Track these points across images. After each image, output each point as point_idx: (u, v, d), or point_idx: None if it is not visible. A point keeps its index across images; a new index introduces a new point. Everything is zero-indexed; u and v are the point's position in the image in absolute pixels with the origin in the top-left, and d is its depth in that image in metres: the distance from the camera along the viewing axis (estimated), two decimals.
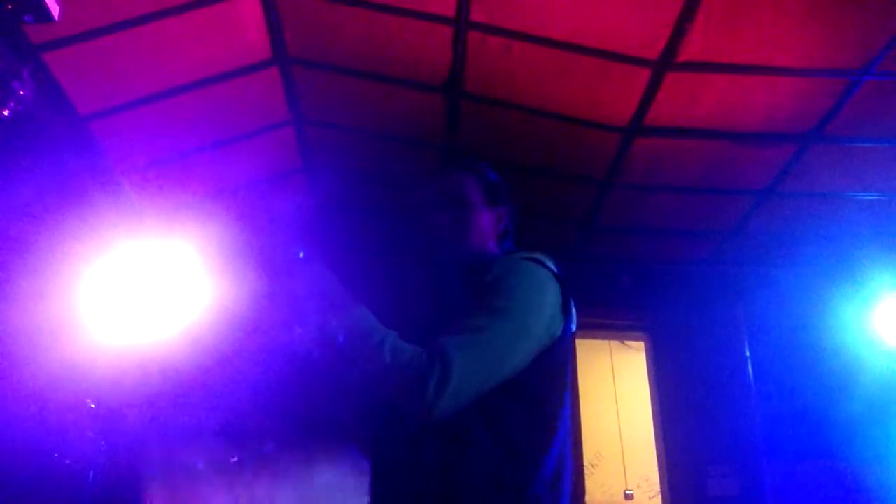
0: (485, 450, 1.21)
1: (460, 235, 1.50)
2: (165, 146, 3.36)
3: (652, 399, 4.64)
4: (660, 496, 4.51)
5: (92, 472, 2.80)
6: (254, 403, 3.67)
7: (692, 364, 4.50)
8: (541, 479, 1.24)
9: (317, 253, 1.31)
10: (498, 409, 1.23)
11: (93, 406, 2.89)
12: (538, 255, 1.41)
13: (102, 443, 2.87)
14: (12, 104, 2.14)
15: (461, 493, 1.20)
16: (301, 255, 1.28)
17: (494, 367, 1.20)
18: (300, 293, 1.26)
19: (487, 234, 1.52)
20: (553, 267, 1.41)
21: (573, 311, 1.43)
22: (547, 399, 1.30)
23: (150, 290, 3.10)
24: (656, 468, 4.56)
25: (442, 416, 1.14)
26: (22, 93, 2.17)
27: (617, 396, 5.97)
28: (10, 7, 1.82)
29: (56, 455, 2.81)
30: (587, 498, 4.32)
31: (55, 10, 1.91)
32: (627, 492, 5.54)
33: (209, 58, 2.97)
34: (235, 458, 3.44)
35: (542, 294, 1.30)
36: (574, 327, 1.46)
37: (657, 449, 4.55)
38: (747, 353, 4.53)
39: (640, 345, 5.07)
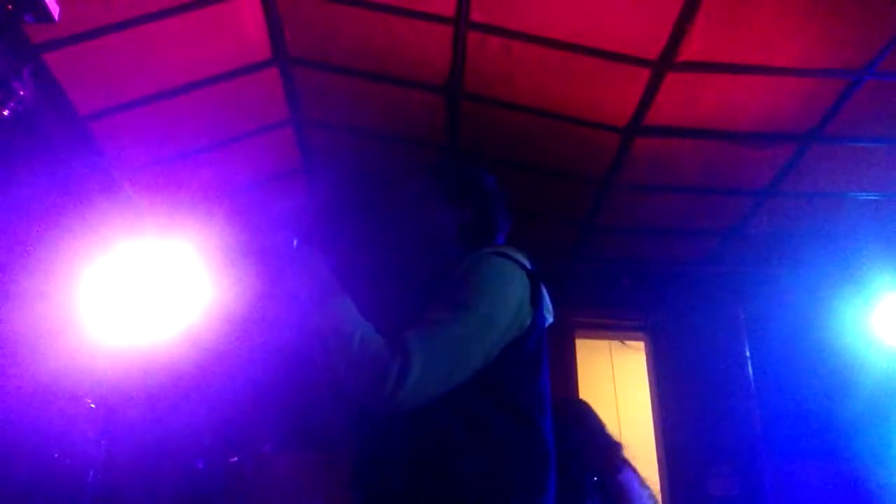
0: (462, 446, 1.22)
1: (417, 237, 1.52)
2: (165, 146, 3.36)
3: (652, 399, 4.64)
4: (660, 496, 4.51)
5: (92, 472, 2.80)
6: (253, 403, 3.66)
7: (692, 364, 4.50)
8: (524, 474, 1.24)
9: (310, 246, 1.32)
10: (473, 404, 1.24)
11: (93, 406, 2.89)
12: (507, 250, 1.43)
13: (102, 443, 2.87)
14: (12, 104, 2.14)
15: (443, 491, 1.20)
16: (294, 244, 1.30)
17: (456, 359, 1.20)
18: (292, 285, 1.27)
19: (447, 232, 1.51)
20: (522, 260, 1.42)
21: (547, 303, 1.45)
22: (521, 392, 1.31)
23: (150, 290, 3.10)
24: (656, 468, 4.56)
25: (402, 409, 1.15)
26: (22, 93, 2.16)
27: (617, 396, 5.96)
28: (10, 7, 1.82)
29: (56, 455, 2.81)
30: None
31: (55, 10, 1.91)
32: None
33: (209, 58, 2.97)
34: (235, 458, 3.44)
35: (506, 286, 1.30)
36: (550, 319, 1.47)
37: (657, 449, 4.55)
38: (747, 353, 4.53)
39: (640, 345, 5.07)
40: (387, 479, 1.26)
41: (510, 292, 1.30)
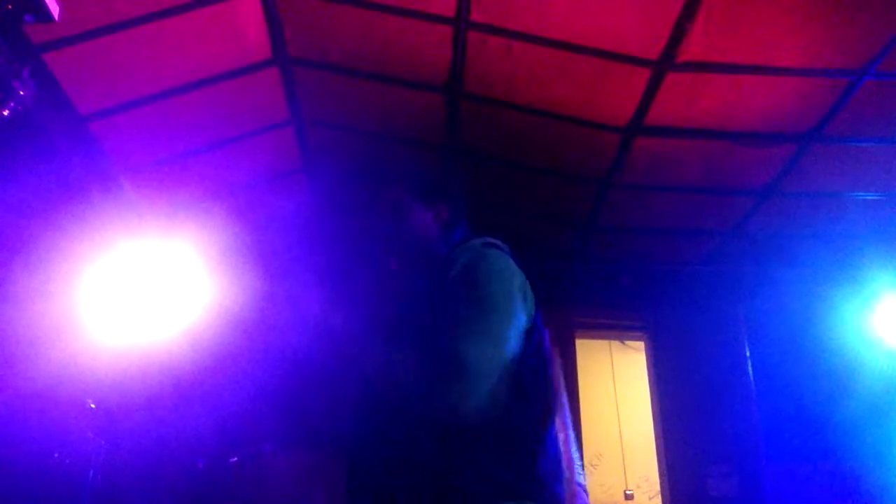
0: (485, 436, 1.22)
1: (406, 243, 1.57)
2: (165, 146, 3.36)
3: (652, 399, 4.65)
4: (660, 496, 4.51)
5: (92, 472, 2.80)
6: (253, 403, 3.67)
7: (692, 364, 4.50)
8: (545, 456, 1.26)
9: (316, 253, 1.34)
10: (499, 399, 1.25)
11: (93, 406, 2.89)
12: (494, 240, 1.47)
13: (102, 443, 2.87)
14: (12, 104, 2.14)
15: (463, 482, 1.20)
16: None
17: (498, 353, 1.22)
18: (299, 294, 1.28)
19: (430, 231, 1.58)
20: (508, 250, 1.47)
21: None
22: (538, 379, 1.33)
23: (150, 290, 3.10)
24: (656, 468, 4.56)
25: (471, 413, 1.16)
26: (22, 93, 2.17)
27: (617, 396, 5.97)
28: (10, 7, 1.82)
29: (56, 455, 2.81)
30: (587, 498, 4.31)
31: (55, 10, 1.91)
32: (627, 492, 5.53)
33: (209, 58, 2.97)
34: (235, 458, 3.44)
35: (511, 276, 1.35)
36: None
37: (657, 449, 4.55)
38: (747, 353, 4.53)
39: (640, 345, 5.07)
40: (410, 477, 1.25)
41: (515, 282, 1.34)
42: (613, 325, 4.99)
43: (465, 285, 1.30)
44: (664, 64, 2.87)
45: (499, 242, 1.46)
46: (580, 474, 2.52)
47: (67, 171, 2.98)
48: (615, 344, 6.05)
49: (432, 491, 1.21)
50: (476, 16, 2.76)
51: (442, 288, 1.32)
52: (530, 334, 1.33)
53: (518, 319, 1.29)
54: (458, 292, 1.29)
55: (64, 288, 2.86)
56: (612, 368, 6.08)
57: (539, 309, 1.40)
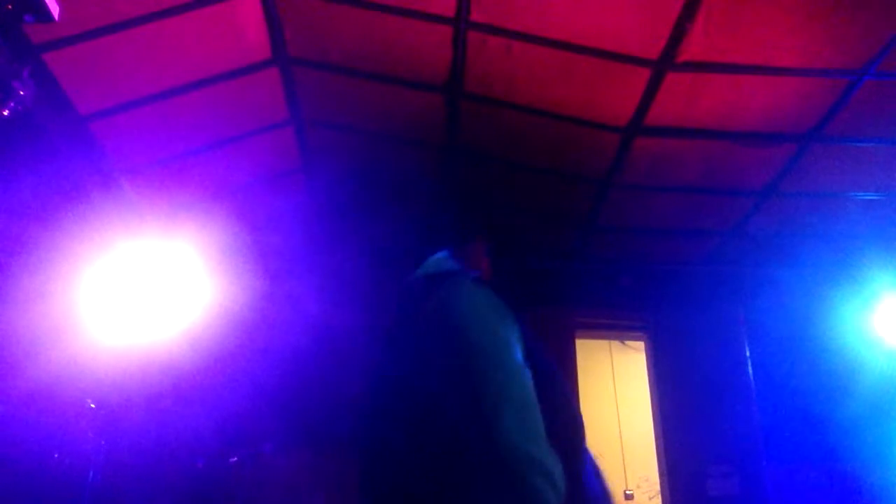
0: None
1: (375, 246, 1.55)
2: (165, 146, 3.36)
3: (652, 399, 4.65)
4: (660, 496, 4.51)
5: (92, 472, 2.80)
6: (253, 403, 3.67)
7: (692, 364, 4.50)
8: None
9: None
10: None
11: (93, 406, 2.89)
12: (451, 266, 1.41)
13: (102, 443, 2.87)
14: (12, 104, 2.14)
15: (464, 486, 1.19)
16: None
17: (532, 401, 1.20)
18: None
19: (391, 240, 1.55)
20: (457, 265, 1.42)
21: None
22: (543, 388, 1.28)
23: (150, 290, 3.11)
24: (656, 468, 4.56)
25: (561, 478, 1.13)
26: (22, 93, 2.17)
27: (617, 396, 5.97)
28: (10, 7, 1.82)
29: (56, 455, 2.81)
30: None
31: (55, 10, 1.91)
32: (627, 492, 5.53)
33: (209, 58, 2.97)
34: (235, 458, 3.45)
35: (496, 308, 1.29)
36: None
37: (657, 449, 4.55)
38: (747, 353, 4.53)
39: (640, 345, 5.07)
40: (400, 480, 1.25)
41: (500, 313, 1.29)
42: (613, 325, 4.99)
43: (463, 341, 1.24)
44: (664, 64, 2.87)
45: (456, 268, 1.39)
46: None
47: (67, 171, 2.98)
48: (615, 344, 6.05)
49: (433, 496, 1.20)
50: (476, 16, 2.76)
51: (417, 315, 1.29)
52: (528, 356, 1.28)
53: (517, 352, 1.24)
54: (454, 352, 1.23)
55: (64, 288, 2.86)
56: (612, 368, 6.09)
57: (526, 319, 1.36)
